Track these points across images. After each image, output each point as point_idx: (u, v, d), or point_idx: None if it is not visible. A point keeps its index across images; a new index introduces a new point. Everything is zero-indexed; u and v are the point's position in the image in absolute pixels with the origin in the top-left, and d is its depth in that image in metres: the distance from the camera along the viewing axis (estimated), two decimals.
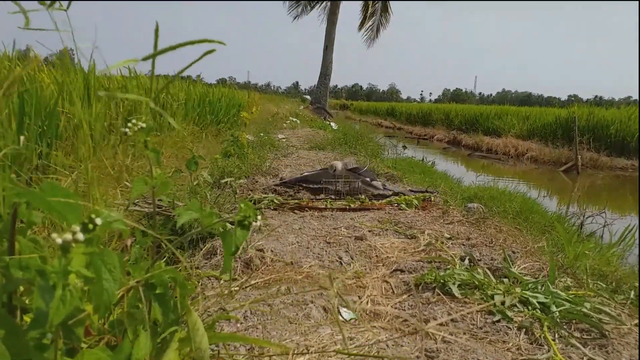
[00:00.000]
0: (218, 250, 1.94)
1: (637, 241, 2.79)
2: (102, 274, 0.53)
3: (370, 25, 18.66)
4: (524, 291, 1.59)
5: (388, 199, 3.16)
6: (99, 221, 0.52)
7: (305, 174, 3.68)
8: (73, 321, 0.62)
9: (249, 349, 1.18)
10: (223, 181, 2.97)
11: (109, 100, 2.96)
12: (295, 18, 19.13)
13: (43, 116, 2.40)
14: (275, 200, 2.91)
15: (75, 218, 0.51)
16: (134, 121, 0.70)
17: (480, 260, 1.98)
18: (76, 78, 2.91)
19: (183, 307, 0.79)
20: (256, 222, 0.70)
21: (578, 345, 1.32)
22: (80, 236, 0.50)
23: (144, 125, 0.71)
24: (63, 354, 0.62)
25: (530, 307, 1.52)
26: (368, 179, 3.47)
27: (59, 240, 0.50)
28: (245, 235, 0.71)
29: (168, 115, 4.13)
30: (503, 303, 1.54)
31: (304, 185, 3.54)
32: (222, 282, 1.66)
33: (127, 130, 0.69)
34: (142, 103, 3.57)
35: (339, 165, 3.53)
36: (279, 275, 1.74)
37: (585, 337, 1.38)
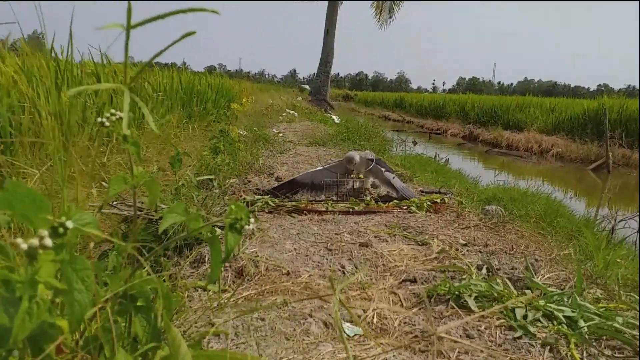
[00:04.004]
0: (206, 258, 1.94)
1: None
2: (74, 284, 0.53)
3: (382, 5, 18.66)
4: (548, 304, 1.58)
5: (396, 200, 3.16)
6: (69, 224, 0.52)
7: (313, 170, 3.53)
8: (43, 337, 0.62)
9: None
10: (199, 178, 2.94)
11: (83, 90, 2.95)
12: None
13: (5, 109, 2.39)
14: (271, 202, 2.91)
15: (42, 221, 0.51)
16: (112, 111, 0.70)
17: (499, 269, 1.98)
18: (42, 64, 2.89)
19: (165, 321, 0.78)
20: (249, 225, 0.70)
21: None
22: (48, 242, 0.50)
23: (122, 115, 0.70)
24: None
25: (555, 322, 1.51)
26: (389, 173, 3.41)
27: (24, 246, 0.50)
28: (237, 240, 0.70)
29: (148, 107, 4.12)
30: (525, 317, 1.54)
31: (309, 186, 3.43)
32: (211, 293, 1.66)
33: (104, 120, 0.69)
34: (119, 93, 3.57)
35: (356, 156, 3.40)
36: (275, 286, 1.74)
37: (616, 355, 1.38)
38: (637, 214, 3.64)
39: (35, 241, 0.49)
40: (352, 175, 3.39)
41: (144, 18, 0.61)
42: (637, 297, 1.76)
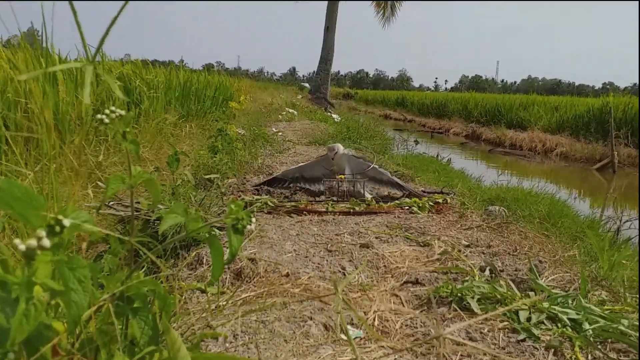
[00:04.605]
0: (204, 260, 1.94)
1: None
2: (71, 284, 0.53)
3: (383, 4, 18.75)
4: (552, 306, 1.59)
5: (397, 201, 3.16)
6: (66, 222, 0.52)
7: (297, 166, 3.69)
8: (38, 339, 0.62)
9: None
10: (207, 176, 2.96)
11: (74, 86, 2.96)
12: None
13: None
14: (270, 203, 2.91)
15: (38, 220, 0.51)
16: (112, 108, 0.70)
17: (502, 271, 1.98)
18: (34, 59, 2.89)
19: (164, 323, 0.79)
20: (250, 225, 0.70)
21: None
22: (47, 242, 0.50)
23: (122, 112, 0.70)
24: None
25: (559, 325, 1.52)
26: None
27: (22, 247, 0.50)
28: (240, 241, 0.71)
29: (143, 105, 4.12)
30: (529, 320, 1.54)
31: (300, 185, 3.55)
32: (209, 295, 1.66)
33: (104, 117, 0.69)
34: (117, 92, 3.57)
35: (340, 147, 3.51)
36: (274, 288, 1.74)
37: (622, 358, 1.38)
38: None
39: (33, 242, 0.49)
40: (332, 167, 3.46)
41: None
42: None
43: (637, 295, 1.79)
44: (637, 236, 3.26)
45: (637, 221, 3.54)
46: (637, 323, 1.52)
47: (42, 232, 0.50)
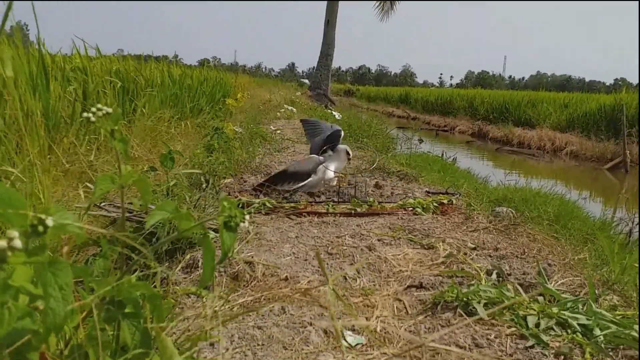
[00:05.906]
0: (200, 263, 1.94)
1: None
2: (50, 290, 0.52)
3: None
4: (562, 311, 1.58)
5: (401, 202, 3.16)
6: (50, 222, 0.51)
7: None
8: (25, 345, 0.62)
9: None
10: (187, 171, 2.94)
11: (65, 83, 2.96)
12: None
13: None
14: (268, 204, 2.91)
15: (19, 220, 0.50)
16: (99, 106, 0.69)
17: (510, 274, 1.98)
18: (24, 56, 2.89)
19: (156, 328, 0.78)
20: (244, 222, 0.69)
21: None
22: (18, 243, 0.49)
23: (109, 110, 0.70)
24: None
25: (569, 331, 1.51)
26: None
27: None
28: (232, 239, 0.70)
29: (141, 102, 4.12)
30: (537, 325, 1.53)
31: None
32: (204, 300, 1.66)
33: (90, 115, 0.69)
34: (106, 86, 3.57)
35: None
36: (272, 292, 1.74)
37: None
38: None
39: (3, 242, 0.49)
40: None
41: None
42: None
43: None
44: (638, 236, 3.26)
45: (639, 219, 3.54)
46: None
47: (14, 232, 0.49)
